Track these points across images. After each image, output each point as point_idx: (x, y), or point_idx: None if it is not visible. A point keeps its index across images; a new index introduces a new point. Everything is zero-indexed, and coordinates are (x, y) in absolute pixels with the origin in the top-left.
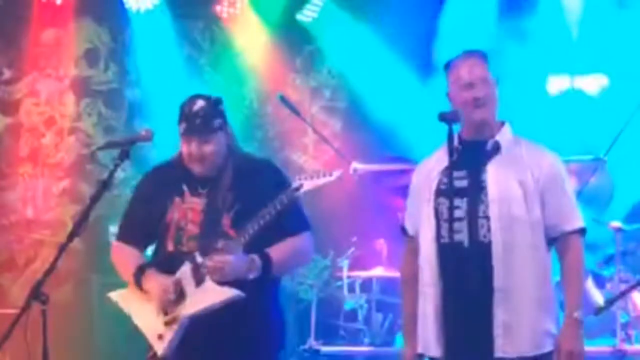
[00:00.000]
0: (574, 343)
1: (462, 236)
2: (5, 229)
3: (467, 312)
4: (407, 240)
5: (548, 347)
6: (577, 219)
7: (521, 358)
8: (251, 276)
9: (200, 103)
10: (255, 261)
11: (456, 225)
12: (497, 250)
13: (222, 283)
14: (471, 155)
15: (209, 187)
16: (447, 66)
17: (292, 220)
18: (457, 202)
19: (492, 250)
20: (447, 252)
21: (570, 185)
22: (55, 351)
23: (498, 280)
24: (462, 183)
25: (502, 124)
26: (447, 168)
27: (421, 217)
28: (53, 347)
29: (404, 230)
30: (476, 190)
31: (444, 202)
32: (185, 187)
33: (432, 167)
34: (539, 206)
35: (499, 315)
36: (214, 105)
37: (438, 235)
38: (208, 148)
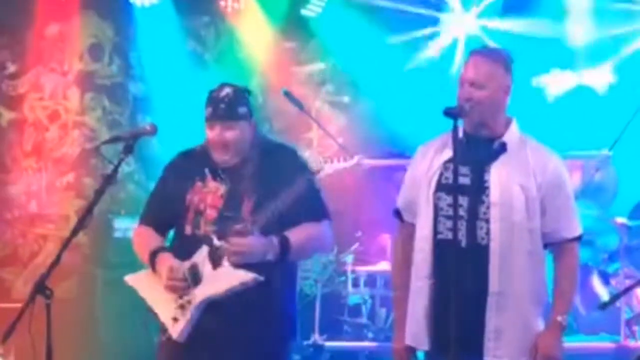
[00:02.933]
0: (553, 348)
1: (460, 235)
2: (8, 223)
3: (459, 311)
4: (400, 225)
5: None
6: (576, 227)
7: None
8: (270, 258)
9: (226, 90)
10: (274, 243)
11: (455, 223)
12: (495, 255)
13: (241, 266)
14: (475, 151)
15: (231, 174)
16: None
17: (312, 206)
18: (458, 199)
19: (489, 253)
20: (444, 249)
21: (571, 190)
22: (59, 345)
23: (493, 285)
24: (465, 180)
25: (509, 121)
26: (449, 161)
27: (419, 207)
28: (57, 342)
29: (398, 214)
30: (478, 190)
31: (445, 197)
32: (207, 172)
33: (432, 156)
34: (539, 212)
35: (492, 320)
36: (241, 94)
37: (435, 231)
38: (230, 134)
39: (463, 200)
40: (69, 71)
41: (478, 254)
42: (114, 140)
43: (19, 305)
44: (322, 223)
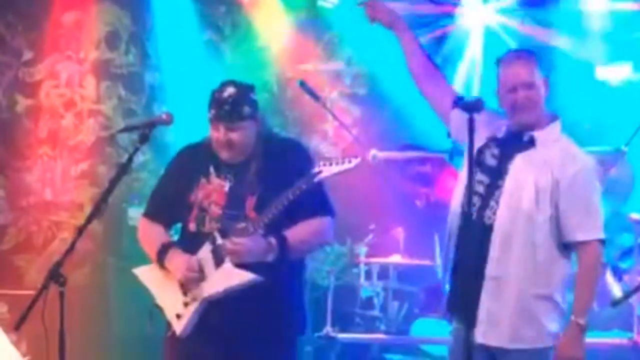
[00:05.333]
0: (575, 350)
1: (473, 209)
2: (23, 211)
3: (463, 290)
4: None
5: (534, 344)
6: (592, 229)
7: (500, 348)
8: (269, 259)
9: (230, 90)
10: (272, 244)
11: (474, 198)
12: (497, 237)
13: (242, 265)
14: (509, 140)
15: (235, 171)
16: (497, 63)
17: (312, 203)
18: (482, 177)
19: (492, 234)
20: (461, 218)
21: (594, 194)
22: (72, 333)
23: (491, 269)
24: (492, 162)
25: (553, 119)
26: (492, 139)
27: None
28: (69, 329)
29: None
30: (498, 175)
31: (478, 174)
32: (212, 169)
33: (480, 132)
34: (551, 206)
35: (485, 303)
36: (245, 93)
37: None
38: (235, 135)
39: (485, 179)
40: (85, 59)
41: (482, 232)
42: (129, 129)
43: (32, 292)
44: (322, 219)
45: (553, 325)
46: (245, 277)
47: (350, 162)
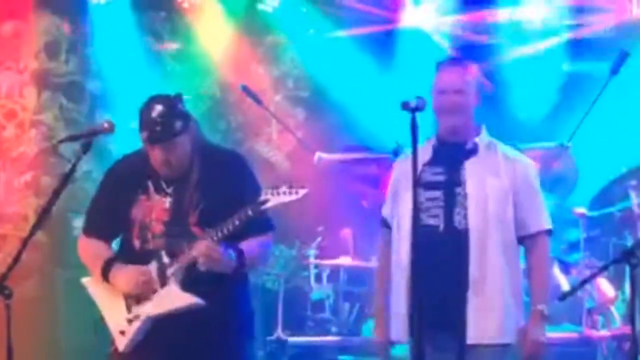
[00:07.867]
0: (539, 333)
1: (437, 221)
2: None
3: (440, 296)
4: (385, 232)
5: (515, 338)
6: (545, 221)
7: (491, 345)
8: (227, 271)
9: (158, 108)
10: (232, 257)
11: (433, 211)
12: (474, 239)
13: (188, 283)
14: (449, 153)
15: (174, 186)
16: (436, 67)
17: (259, 220)
18: (434, 193)
19: (468, 237)
20: (421, 236)
21: (539, 189)
22: (20, 346)
23: (474, 270)
24: (439, 177)
25: (479, 127)
26: (426, 164)
27: (401, 206)
28: (17, 342)
29: (385, 222)
30: (453, 184)
31: (422, 192)
32: (150, 184)
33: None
34: (511, 207)
35: (473, 304)
36: (173, 107)
37: (414, 220)
38: (172, 153)
39: (440, 194)
40: (25, 69)
41: (455, 238)
42: (71, 138)
43: None
44: (268, 235)
45: (522, 318)
46: (187, 300)
47: (297, 192)
